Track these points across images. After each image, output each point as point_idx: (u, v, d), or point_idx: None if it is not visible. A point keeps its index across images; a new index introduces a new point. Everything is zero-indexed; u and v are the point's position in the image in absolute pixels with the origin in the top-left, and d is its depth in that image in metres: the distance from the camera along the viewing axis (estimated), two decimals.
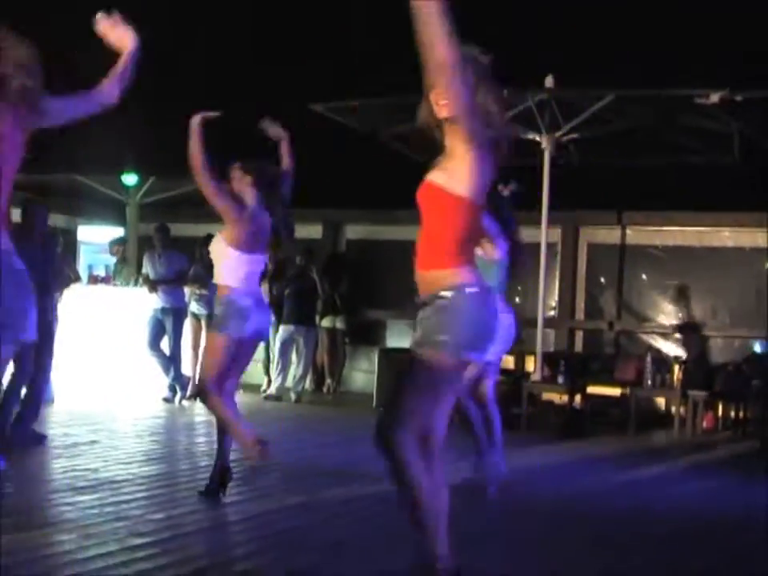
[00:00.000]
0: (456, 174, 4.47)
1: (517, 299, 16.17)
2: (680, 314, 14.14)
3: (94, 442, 9.30)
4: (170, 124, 21.57)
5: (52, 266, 9.49)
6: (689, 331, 13.90)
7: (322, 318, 14.65)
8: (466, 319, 4.40)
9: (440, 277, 4.43)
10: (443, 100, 4.52)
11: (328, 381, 15.07)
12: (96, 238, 16.67)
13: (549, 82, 12.29)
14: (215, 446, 7.30)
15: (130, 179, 16.65)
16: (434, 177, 4.51)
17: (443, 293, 4.39)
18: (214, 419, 7.33)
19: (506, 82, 12.44)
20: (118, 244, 14.76)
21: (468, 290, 4.40)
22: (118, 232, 16.65)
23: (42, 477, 7.95)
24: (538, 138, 12.57)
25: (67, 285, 11.83)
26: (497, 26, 19.96)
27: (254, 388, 14.33)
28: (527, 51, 18.62)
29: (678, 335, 14.13)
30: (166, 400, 12.80)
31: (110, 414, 11.43)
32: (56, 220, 17.06)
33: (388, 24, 20.71)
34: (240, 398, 13.49)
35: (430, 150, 14.27)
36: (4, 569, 4.96)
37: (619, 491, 8.49)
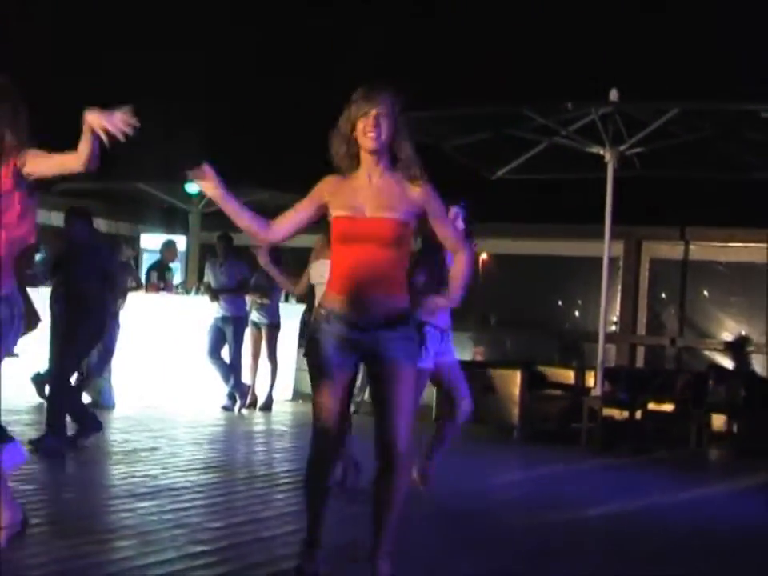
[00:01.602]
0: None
1: (577, 313, 16.10)
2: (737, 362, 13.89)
3: (153, 448, 9.34)
4: (233, 134, 21.75)
5: (105, 274, 9.52)
6: (738, 348, 13.72)
7: None
8: None
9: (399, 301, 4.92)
10: (373, 133, 4.82)
11: None
12: (158, 245, 16.79)
13: (613, 95, 12.20)
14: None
15: (193, 187, 16.70)
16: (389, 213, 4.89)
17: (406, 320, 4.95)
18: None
19: (571, 95, 12.47)
20: (168, 248, 14.71)
21: None
22: (181, 240, 16.75)
23: (102, 482, 7.98)
24: (601, 152, 12.48)
25: (128, 292, 11.94)
26: (562, 40, 19.94)
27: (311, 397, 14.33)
28: (592, 64, 18.56)
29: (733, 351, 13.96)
30: (226, 408, 12.83)
31: (169, 421, 11.47)
32: (119, 228, 17.23)
33: (452, 37, 20.75)
34: (297, 407, 13.59)
35: (494, 163, 14.16)
36: (65, 574, 4.99)
37: (680, 508, 8.38)
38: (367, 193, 4.88)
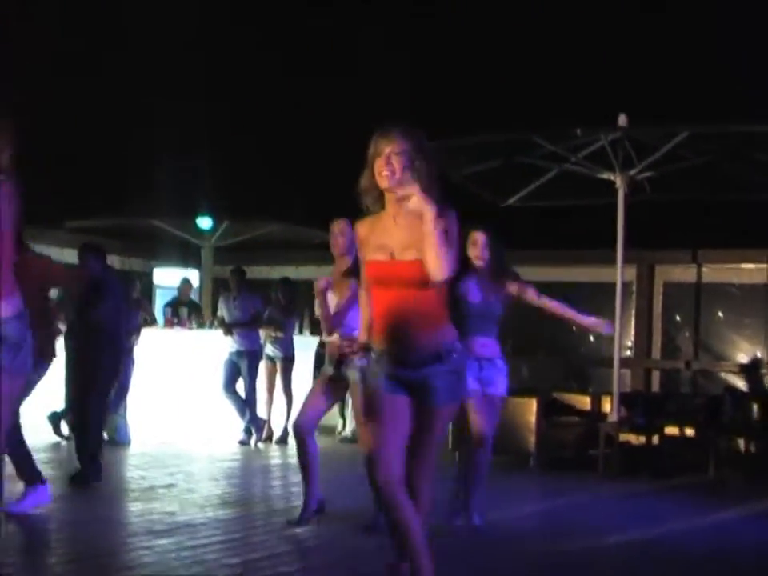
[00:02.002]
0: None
1: (591, 338, 16.06)
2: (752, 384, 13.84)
3: (170, 485, 9.34)
4: (243, 169, 21.81)
5: (120, 310, 9.64)
6: (753, 370, 13.68)
7: None
8: None
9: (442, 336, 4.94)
10: (386, 171, 4.89)
11: None
12: (172, 282, 16.83)
13: (622, 120, 12.20)
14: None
15: (204, 223, 16.82)
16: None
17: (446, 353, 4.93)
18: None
19: (579, 121, 12.47)
20: (185, 285, 14.79)
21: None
22: (193, 275, 16.80)
23: (119, 520, 7.98)
24: (612, 177, 12.48)
25: (142, 328, 11.98)
26: (569, 67, 19.97)
27: (330, 430, 14.33)
28: (599, 90, 18.58)
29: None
30: (242, 443, 12.82)
31: (186, 456, 11.47)
32: (132, 264, 17.28)
33: (459, 65, 20.81)
34: (315, 440, 13.57)
35: (504, 191, 14.19)
36: None
37: (698, 534, 8.35)
38: (394, 233, 4.94)
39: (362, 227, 5.08)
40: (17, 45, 19.73)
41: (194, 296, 15.63)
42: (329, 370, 7.59)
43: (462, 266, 7.47)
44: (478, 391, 7.51)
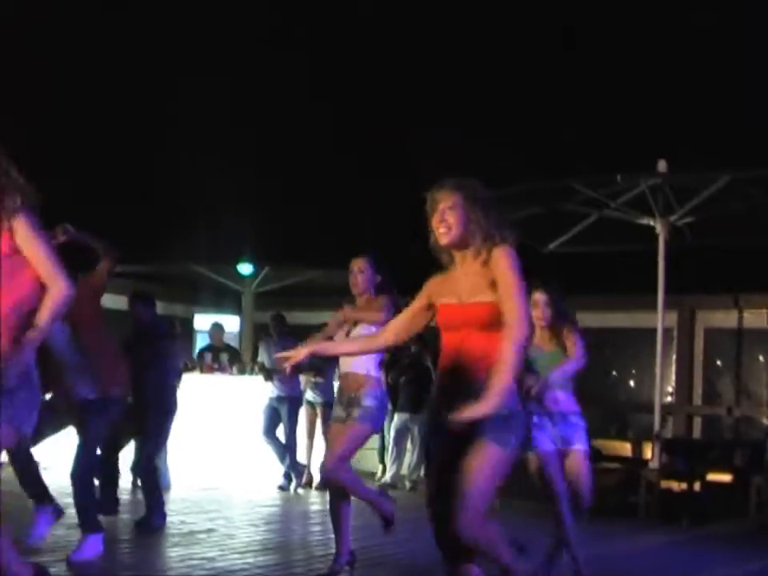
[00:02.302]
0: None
1: (631, 383, 16.00)
2: None
3: (210, 530, 9.35)
4: (284, 216, 21.94)
5: (164, 356, 9.82)
6: None
7: None
8: None
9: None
10: (442, 228, 4.94)
11: None
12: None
13: (662, 166, 12.22)
14: (332, 534, 7.31)
15: (245, 268, 16.91)
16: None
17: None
18: (328, 508, 7.37)
19: (619, 168, 12.49)
20: (215, 330, 14.80)
21: None
22: (234, 320, 16.86)
23: (160, 566, 7.99)
24: (652, 223, 12.48)
25: (183, 373, 12.04)
26: (608, 114, 20.01)
27: (369, 475, 14.31)
28: (639, 136, 18.60)
29: None
30: (282, 488, 12.82)
31: (225, 502, 11.48)
32: (173, 309, 17.37)
33: (501, 114, 20.88)
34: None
35: (544, 236, 14.19)
36: None
37: None
38: (462, 282, 4.93)
39: (434, 281, 5.12)
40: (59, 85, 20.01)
41: (232, 341, 15.67)
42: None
43: None
44: (549, 449, 7.39)
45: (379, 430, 7.46)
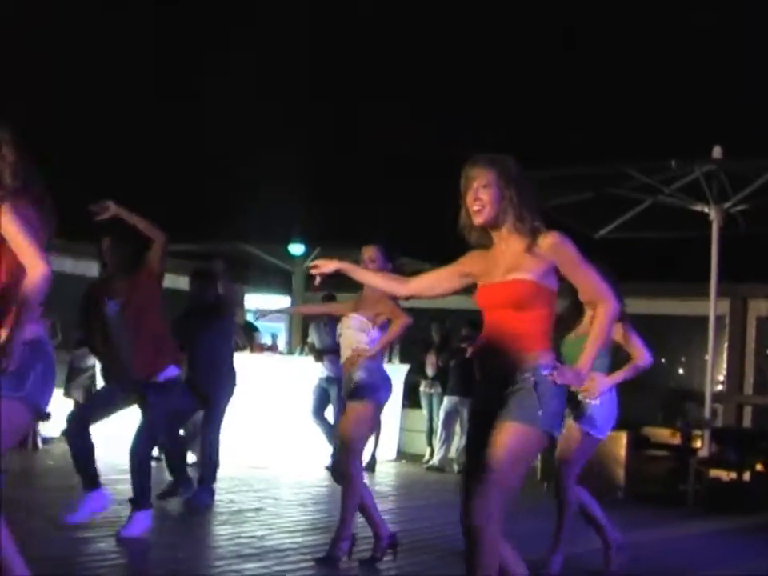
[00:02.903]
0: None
1: (681, 371, 15.92)
2: None
3: (258, 509, 9.41)
4: (335, 196, 21.98)
5: (229, 335, 9.92)
6: None
7: None
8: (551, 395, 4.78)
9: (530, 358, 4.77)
10: (476, 206, 4.85)
11: None
12: (263, 307, 16.98)
13: (717, 152, 12.13)
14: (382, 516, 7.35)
15: (296, 249, 16.93)
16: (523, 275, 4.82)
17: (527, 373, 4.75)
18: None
19: (673, 154, 12.39)
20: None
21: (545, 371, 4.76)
22: (285, 301, 16.92)
23: (208, 543, 8.07)
24: (706, 210, 12.40)
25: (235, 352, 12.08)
26: (664, 98, 19.87)
27: (417, 458, 14.33)
28: (695, 122, 18.46)
29: None
30: (330, 469, 12.85)
31: (274, 481, 11.54)
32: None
33: (553, 96, 20.80)
34: (401, 468, 13.59)
35: (596, 222, 14.08)
36: None
37: None
38: (500, 260, 4.87)
39: (475, 255, 5.03)
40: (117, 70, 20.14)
41: (283, 322, 15.71)
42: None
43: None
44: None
45: (383, 404, 7.35)
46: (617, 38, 21.26)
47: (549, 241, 4.81)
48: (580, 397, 7.02)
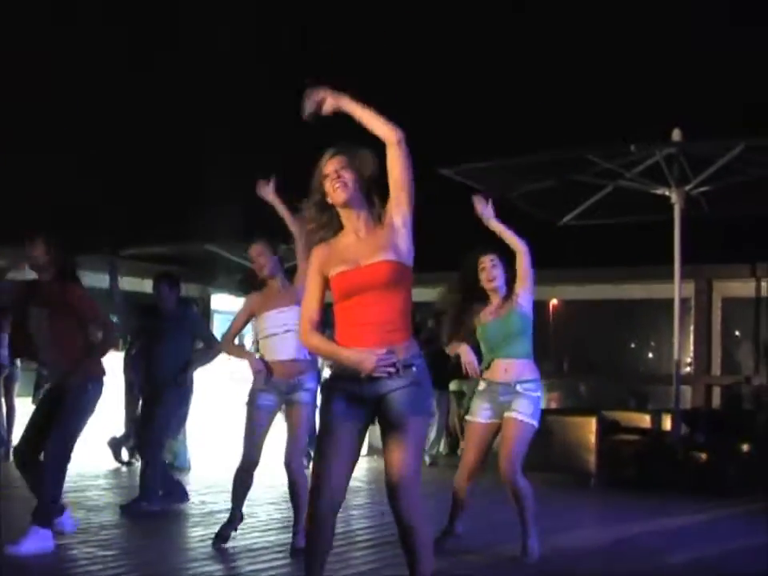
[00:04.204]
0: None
1: (650, 355, 15.96)
2: None
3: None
4: (297, 194, 21.96)
5: (201, 338, 9.82)
6: None
7: (450, 381, 14.54)
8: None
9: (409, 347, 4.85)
10: (338, 184, 4.80)
11: (462, 444, 14.93)
12: (229, 307, 16.89)
13: (676, 135, 12.15)
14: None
15: None
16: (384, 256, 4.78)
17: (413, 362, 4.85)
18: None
19: (633, 138, 12.41)
20: None
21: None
22: None
23: (179, 545, 8.01)
24: (667, 193, 12.41)
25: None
26: (622, 84, 19.92)
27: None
28: (653, 105, 18.51)
29: None
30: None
31: None
32: (190, 289, 17.37)
33: (510, 84, 20.81)
34: (372, 463, 13.55)
35: (559, 209, 14.10)
36: None
37: (764, 552, 8.24)
38: (357, 246, 4.83)
39: (319, 250, 4.92)
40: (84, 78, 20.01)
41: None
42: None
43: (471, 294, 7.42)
44: (486, 420, 7.40)
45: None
46: (575, 23, 21.30)
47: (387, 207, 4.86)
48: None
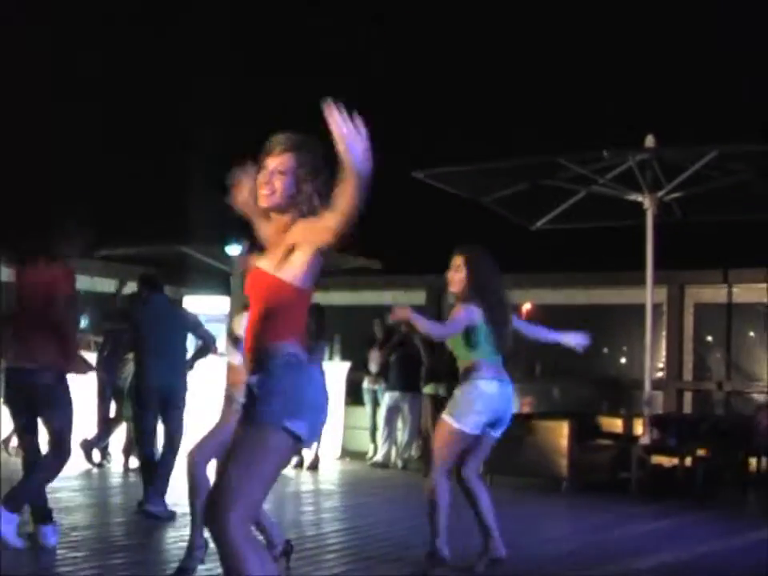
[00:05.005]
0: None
1: (623, 360, 16.02)
2: None
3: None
4: None
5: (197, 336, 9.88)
6: None
7: (425, 384, 14.56)
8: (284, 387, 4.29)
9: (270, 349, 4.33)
10: (265, 190, 4.31)
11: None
12: (202, 309, 16.88)
13: (650, 141, 12.20)
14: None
15: (233, 250, 16.83)
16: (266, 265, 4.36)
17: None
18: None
19: (606, 143, 12.47)
20: None
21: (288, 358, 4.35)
22: (224, 302, 16.82)
23: (154, 547, 8.01)
24: (640, 199, 12.47)
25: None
26: (596, 89, 19.99)
27: (361, 455, 14.31)
28: (627, 111, 18.59)
29: None
30: None
31: None
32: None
33: (485, 88, 20.85)
34: (345, 466, 13.57)
35: (533, 214, 14.18)
36: None
37: (734, 554, 8.29)
38: (274, 248, 4.43)
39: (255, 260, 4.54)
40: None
41: (222, 322, 15.61)
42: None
43: None
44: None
45: None
46: (550, 28, 21.35)
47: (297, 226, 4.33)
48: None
